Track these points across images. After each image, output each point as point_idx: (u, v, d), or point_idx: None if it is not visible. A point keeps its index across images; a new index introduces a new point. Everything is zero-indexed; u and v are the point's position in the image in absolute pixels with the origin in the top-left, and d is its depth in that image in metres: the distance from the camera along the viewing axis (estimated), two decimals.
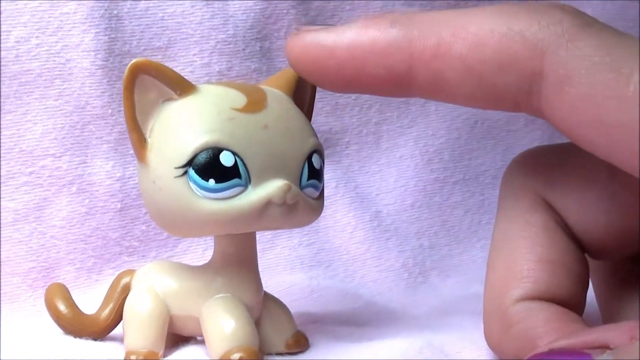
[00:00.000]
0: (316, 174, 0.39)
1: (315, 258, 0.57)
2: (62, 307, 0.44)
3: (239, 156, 0.36)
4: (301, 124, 0.39)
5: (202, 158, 0.36)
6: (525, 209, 0.38)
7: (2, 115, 0.52)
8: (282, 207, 0.37)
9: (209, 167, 0.36)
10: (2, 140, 0.52)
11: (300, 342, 0.42)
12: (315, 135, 0.40)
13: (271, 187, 0.37)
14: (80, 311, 0.45)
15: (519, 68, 0.32)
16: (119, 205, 0.54)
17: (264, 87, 0.40)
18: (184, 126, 0.37)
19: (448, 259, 0.59)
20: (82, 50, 0.54)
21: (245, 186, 0.36)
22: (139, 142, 0.37)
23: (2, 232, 0.52)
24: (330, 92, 0.58)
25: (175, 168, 0.36)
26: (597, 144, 0.31)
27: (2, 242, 0.52)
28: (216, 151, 0.36)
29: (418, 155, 0.61)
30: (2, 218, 0.52)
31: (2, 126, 0.52)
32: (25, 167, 0.53)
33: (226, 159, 0.36)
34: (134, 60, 0.37)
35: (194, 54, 0.56)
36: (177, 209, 0.37)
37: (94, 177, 0.54)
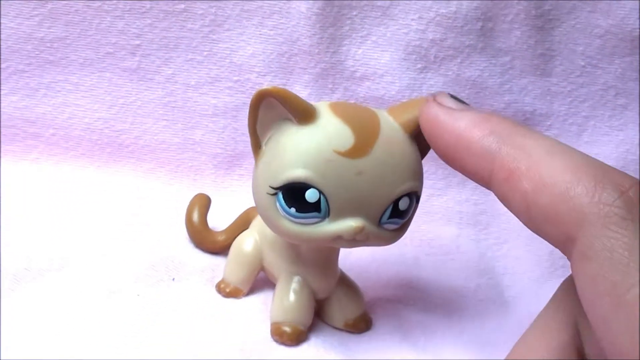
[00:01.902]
0: (399, 214, 0.42)
1: (475, 217, 0.62)
2: (194, 217, 0.55)
3: (324, 194, 0.41)
4: (401, 168, 0.42)
5: (290, 188, 0.41)
6: (559, 320, 0.41)
7: (222, 32, 0.60)
8: (351, 241, 0.42)
9: (294, 197, 0.41)
10: (219, 51, 0.60)
11: (358, 326, 0.48)
12: (414, 178, 0.42)
13: (345, 226, 0.41)
14: (206, 226, 0.55)
15: (559, 227, 0.34)
16: None
17: (383, 120, 0.42)
18: (287, 153, 0.41)
19: None
20: None
21: (323, 218, 0.41)
22: (256, 146, 0.43)
23: (202, 120, 0.61)
24: (544, 77, 0.60)
25: (270, 186, 0.41)
26: (601, 321, 0.34)
27: (200, 129, 0.61)
28: (304, 186, 0.40)
29: (615, 158, 0.62)
30: (202, 110, 0.61)
31: (221, 39, 0.60)
32: (233, 75, 0.61)
33: (311, 195, 0.40)
34: (264, 88, 0.41)
35: (412, 19, 0.59)
36: (265, 215, 0.43)
37: None
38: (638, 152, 0.62)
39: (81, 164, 0.61)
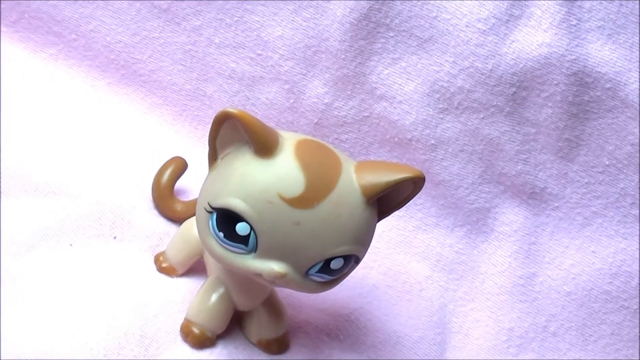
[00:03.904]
0: (330, 272, 0.41)
1: (451, 265, 0.60)
2: (163, 179, 0.55)
3: (255, 232, 0.40)
4: (344, 231, 0.40)
5: (225, 214, 0.40)
6: None
7: (257, 4, 0.58)
8: (271, 282, 0.41)
9: (226, 224, 0.40)
10: (249, 21, 0.59)
11: (271, 348, 0.48)
12: (356, 243, 0.41)
13: (266, 267, 0.40)
14: (171, 191, 0.55)
15: None
16: (315, 120, 0.59)
17: (345, 175, 0.40)
18: (233, 180, 0.40)
19: (557, 355, 0.58)
20: (344, 1, 0.57)
21: (249, 252, 0.40)
22: (212, 157, 0.42)
23: (217, 78, 0.60)
24: (565, 161, 0.57)
25: (208, 204, 0.41)
26: None
27: (213, 84, 0.60)
28: (238, 217, 0.40)
29: (610, 263, 0.59)
30: (220, 69, 0.60)
31: (254, 11, 0.58)
32: (257, 48, 0.59)
33: (242, 229, 0.40)
34: (231, 110, 0.40)
35: (447, 60, 0.57)
36: (199, 226, 0.42)
37: (307, 90, 0.59)
38: (634, 267, 0.59)
39: (94, 75, 0.61)
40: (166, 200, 0.55)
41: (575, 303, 0.59)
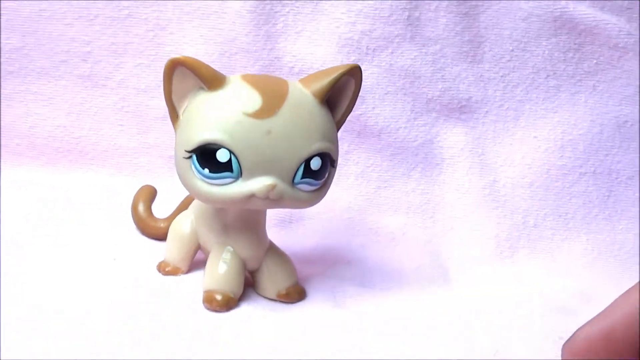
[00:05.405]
0: (312, 174, 0.45)
1: (421, 207, 0.64)
2: (139, 206, 0.58)
3: (234, 154, 0.43)
4: (310, 130, 0.45)
5: (203, 150, 0.44)
6: None
7: (165, 35, 0.63)
8: (265, 200, 0.44)
9: (207, 159, 0.44)
10: (164, 54, 0.63)
11: (291, 295, 0.50)
12: (325, 139, 0.45)
13: (257, 184, 0.44)
14: (150, 213, 0.58)
15: None
16: None
17: (293, 86, 0.45)
18: (198, 118, 0.44)
19: (547, 242, 0.61)
20: None
21: (236, 178, 0.44)
22: (173, 116, 0.46)
23: (154, 124, 0.64)
24: (475, 63, 0.62)
25: (185, 150, 0.44)
26: None
27: (153, 132, 0.64)
28: (215, 147, 0.43)
29: (553, 140, 0.63)
30: (154, 114, 0.64)
31: (165, 42, 0.63)
32: None
33: (222, 156, 0.43)
34: (173, 57, 0.44)
35: (342, 12, 0.62)
36: (183, 179, 0.46)
37: None
38: (574, 133, 0.63)
39: (45, 171, 0.64)
40: (148, 222, 0.58)
41: (540, 190, 0.63)
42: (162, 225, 0.57)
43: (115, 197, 0.63)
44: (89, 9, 0.63)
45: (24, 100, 0.64)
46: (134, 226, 0.59)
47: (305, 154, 0.44)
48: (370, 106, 0.63)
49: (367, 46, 0.63)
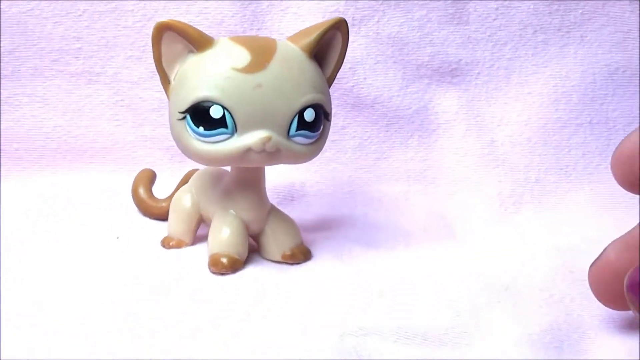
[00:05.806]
0: (307, 126, 0.45)
1: (422, 173, 0.64)
2: (140, 188, 0.59)
3: (227, 110, 0.44)
4: (300, 81, 0.45)
5: (196, 109, 0.44)
6: None
7: (153, 25, 0.62)
8: (262, 154, 0.45)
9: (200, 117, 0.44)
10: None
11: (296, 256, 0.50)
12: (316, 91, 0.45)
13: (252, 138, 0.44)
14: (151, 194, 0.59)
15: None
16: None
17: (281, 43, 0.46)
18: (190, 79, 0.45)
19: (550, 196, 0.62)
20: None
21: (232, 134, 0.45)
22: (165, 82, 0.47)
23: (150, 116, 0.64)
24: (462, 25, 0.63)
25: (179, 112, 0.45)
26: None
27: (149, 124, 0.64)
28: (208, 104, 0.44)
29: (546, 94, 0.64)
30: (149, 105, 0.64)
31: None
32: None
33: (215, 112, 0.44)
34: (163, 21, 0.45)
35: None
36: (179, 142, 0.46)
37: None
38: (567, 84, 0.64)
39: (46, 173, 0.64)
40: (150, 202, 0.58)
41: (538, 145, 0.64)
42: (163, 204, 0.58)
43: (116, 193, 0.62)
44: (75, 5, 0.63)
45: (20, 104, 0.64)
46: (137, 214, 0.59)
47: (297, 106, 0.45)
48: (362, 77, 0.64)
49: (353, 17, 0.63)
